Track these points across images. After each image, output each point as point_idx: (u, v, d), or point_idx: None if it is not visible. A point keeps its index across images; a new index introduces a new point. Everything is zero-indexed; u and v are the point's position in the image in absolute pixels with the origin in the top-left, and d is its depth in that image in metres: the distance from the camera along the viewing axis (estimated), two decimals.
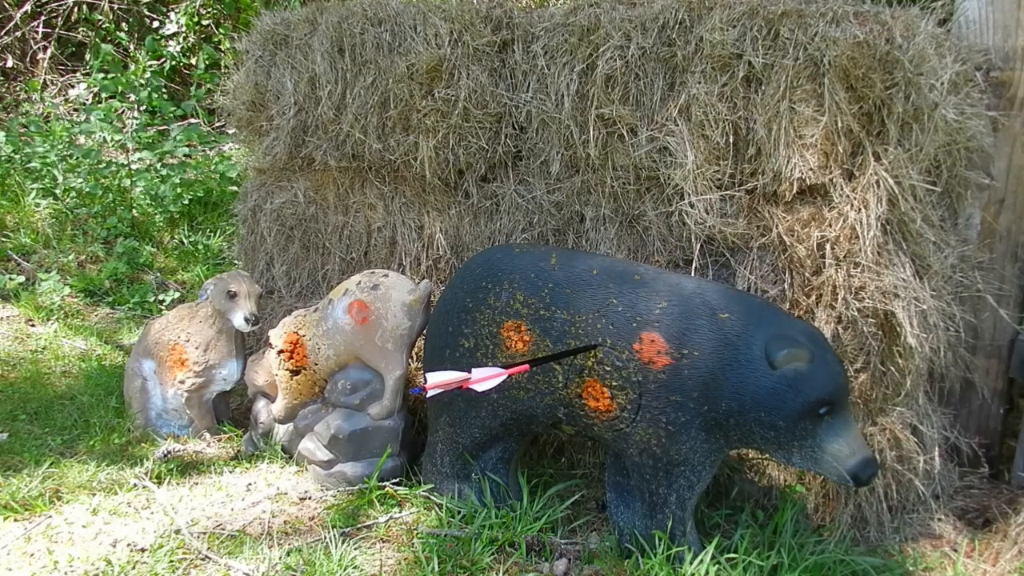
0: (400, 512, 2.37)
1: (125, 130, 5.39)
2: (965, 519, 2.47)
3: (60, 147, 5.17)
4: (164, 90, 5.49)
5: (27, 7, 6.39)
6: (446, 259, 2.80)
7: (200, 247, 4.90)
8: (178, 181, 5.09)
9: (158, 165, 5.16)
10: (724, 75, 2.21)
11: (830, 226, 2.20)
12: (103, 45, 5.52)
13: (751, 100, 2.21)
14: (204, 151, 5.84)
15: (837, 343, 2.24)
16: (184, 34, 6.17)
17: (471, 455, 2.35)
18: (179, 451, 2.75)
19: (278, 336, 2.64)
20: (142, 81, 5.78)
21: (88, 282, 4.39)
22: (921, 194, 2.25)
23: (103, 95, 5.56)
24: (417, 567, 2.08)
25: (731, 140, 2.24)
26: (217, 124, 6.23)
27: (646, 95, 2.32)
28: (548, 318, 2.10)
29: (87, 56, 5.42)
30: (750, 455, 2.40)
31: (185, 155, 5.50)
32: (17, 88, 6.26)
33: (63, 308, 4.07)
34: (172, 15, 6.33)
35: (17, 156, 5.13)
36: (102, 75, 5.38)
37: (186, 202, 5.09)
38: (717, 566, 2.03)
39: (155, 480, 2.52)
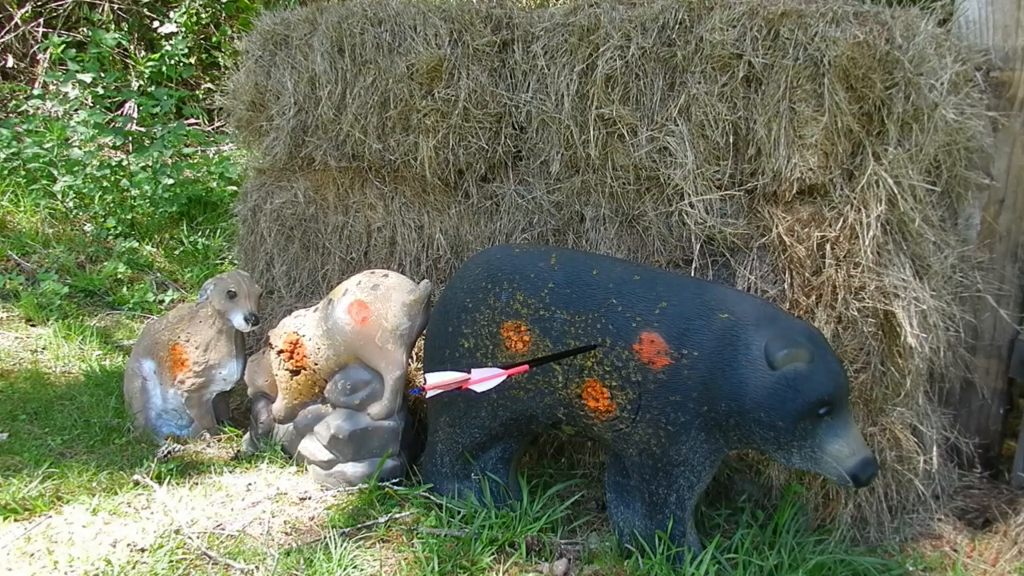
0: (400, 512, 2.37)
1: (126, 125, 5.39)
2: (965, 519, 2.47)
3: (57, 148, 5.16)
4: (166, 88, 5.49)
5: (27, 7, 6.39)
6: (446, 259, 2.80)
7: (200, 247, 4.90)
8: (171, 182, 5.08)
9: (156, 166, 5.16)
10: (724, 75, 2.21)
11: (830, 226, 2.20)
12: (106, 35, 5.50)
13: (751, 100, 2.20)
14: (203, 150, 5.84)
15: (837, 343, 2.24)
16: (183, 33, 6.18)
17: (471, 455, 2.35)
18: (179, 451, 2.75)
19: (278, 336, 2.64)
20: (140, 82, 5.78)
21: (88, 282, 4.39)
22: (921, 194, 2.25)
23: (102, 93, 5.56)
24: (417, 567, 2.08)
25: (731, 140, 2.24)
26: (217, 124, 6.23)
27: (646, 95, 2.32)
28: (548, 318, 2.10)
29: (85, 55, 5.41)
30: (750, 455, 2.40)
31: (183, 155, 5.50)
32: (17, 90, 6.26)
33: (63, 308, 4.07)
34: (171, 14, 6.32)
35: (17, 156, 5.13)
36: (95, 66, 5.37)
37: (184, 202, 5.08)
38: (717, 566, 2.03)
39: (155, 479, 2.52)
